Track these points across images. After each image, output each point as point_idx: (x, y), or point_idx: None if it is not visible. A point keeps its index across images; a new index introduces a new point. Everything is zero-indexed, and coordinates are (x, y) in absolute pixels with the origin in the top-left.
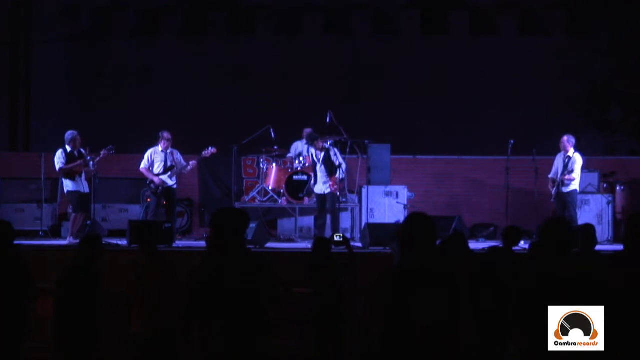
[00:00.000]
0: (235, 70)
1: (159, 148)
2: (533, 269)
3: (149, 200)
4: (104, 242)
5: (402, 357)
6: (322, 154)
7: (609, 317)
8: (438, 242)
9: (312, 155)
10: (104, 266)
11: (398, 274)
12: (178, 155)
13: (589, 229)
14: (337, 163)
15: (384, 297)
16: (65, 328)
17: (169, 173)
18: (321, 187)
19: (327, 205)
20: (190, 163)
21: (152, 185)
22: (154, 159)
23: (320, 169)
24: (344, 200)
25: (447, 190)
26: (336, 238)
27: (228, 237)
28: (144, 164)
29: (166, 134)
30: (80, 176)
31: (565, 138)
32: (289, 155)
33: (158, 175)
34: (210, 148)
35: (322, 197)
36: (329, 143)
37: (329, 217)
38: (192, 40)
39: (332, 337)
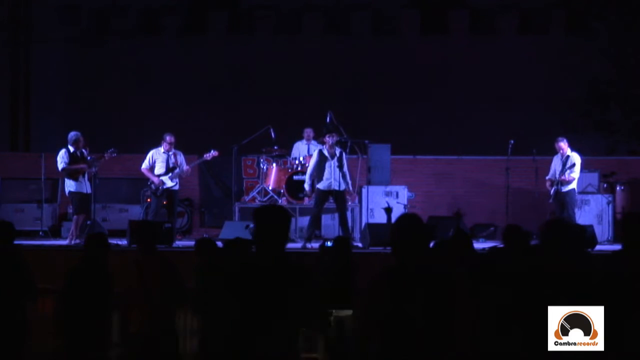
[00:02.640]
0: (235, 71)
1: (161, 149)
2: (533, 269)
3: (149, 200)
4: (108, 241)
5: (399, 358)
6: (336, 154)
7: (609, 317)
8: (439, 241)
9: (318, 152)
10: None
11: (393, 275)
12: (181, 157)
13: (584, 229)
14: (344, 169)
15: (380, 298)
16: (74, 329)
17: (171, 174)
18: (331, 183)
19: (339, 204)
20: (187, 168)
21: (152, 186)
22: (156, 160)
23: (332, 165)
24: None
25: (447, 190)
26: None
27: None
28: (145, 164)
29: (169, 137)
30: (84, 176)
31: (559, 140)
32: (291, 157)
33: (159, 176)
34: (212, 151)
35: (327, 194)
36: (339, 151)
37: (323, 216)
38: (192, 40)
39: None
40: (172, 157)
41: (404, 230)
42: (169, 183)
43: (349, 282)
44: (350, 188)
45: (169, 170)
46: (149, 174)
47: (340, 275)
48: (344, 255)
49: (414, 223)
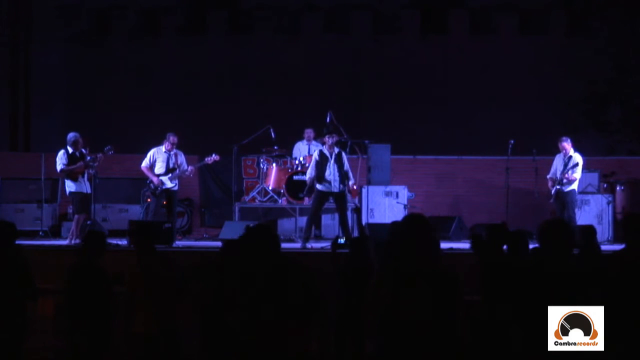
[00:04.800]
0: (235, 70)
1: (163, 148)
2: (534, 269)
3: (149, 200)
4: (106, 240)
5: (399, 356)
6: (335, 153)
7: (609, 317)
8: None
9: (319, 152)
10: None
11: (396, 274)
12: (182, 157)
13: (589, 229)
14: (345, 168)
15: (382, 297)
16: (74, 327)
17: (170, 175)
18: (331, 185)
19: (339, 205)
20: (190, 168)
21: (151, 185)
22: (156, 159)
23: (332, 167)
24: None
25: (447, 190)
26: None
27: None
28: (145, 163)
29: (172, 137)
30: (83, 176)
31: (563, 140)
32: (291, 157)
33: (159, 175)
34: (214, 155)
35: (327, 195)
36: (337, 150)
37: (323, 216)
38: (192, 40)
39: (353, 338)
40: (173, 157)
41: (410, 229)
42: (168, 183)
43: (366, 283)
44: (352, 181)
45: (168, 170)
46: (148, 173)
47: (359, 276)
48: (361, 256)
49: (420, 223)
